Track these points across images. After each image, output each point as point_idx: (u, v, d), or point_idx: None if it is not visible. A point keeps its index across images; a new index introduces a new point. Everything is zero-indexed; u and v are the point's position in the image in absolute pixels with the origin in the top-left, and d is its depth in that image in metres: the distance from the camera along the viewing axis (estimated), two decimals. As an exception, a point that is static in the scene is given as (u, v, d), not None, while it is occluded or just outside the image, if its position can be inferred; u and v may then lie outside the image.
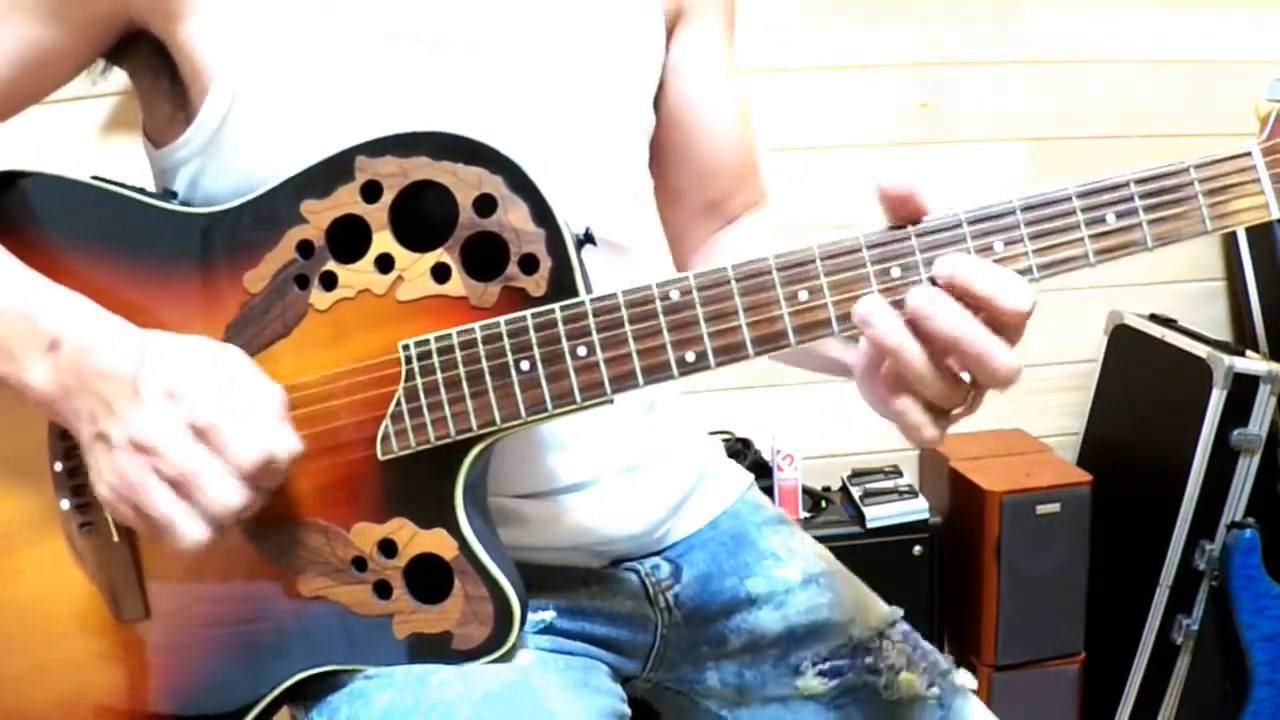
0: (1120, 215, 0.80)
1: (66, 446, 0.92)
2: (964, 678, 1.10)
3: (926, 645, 1.10)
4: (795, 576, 1.10)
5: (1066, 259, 0.81)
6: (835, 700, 1.07)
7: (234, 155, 0.91)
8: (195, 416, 0.80)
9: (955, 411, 0.83)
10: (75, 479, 0.92)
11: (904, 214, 0.81)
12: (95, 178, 0.91)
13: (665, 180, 1.15)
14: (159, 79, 0.94)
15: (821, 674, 1.07)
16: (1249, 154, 0.80)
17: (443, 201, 0.84)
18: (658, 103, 1.10)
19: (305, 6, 0.90)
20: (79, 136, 1.95)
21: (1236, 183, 0.80)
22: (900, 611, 1.12)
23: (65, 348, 0.84)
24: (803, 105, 2.29)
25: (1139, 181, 0.81)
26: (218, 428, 0.80)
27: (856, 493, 2.19)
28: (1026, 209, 0.80)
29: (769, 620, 1.08)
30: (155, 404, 0.81)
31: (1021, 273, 0.81)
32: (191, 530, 0.81)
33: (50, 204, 0.92)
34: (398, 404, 0.86)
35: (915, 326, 0.79)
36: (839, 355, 0.95)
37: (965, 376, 0.81)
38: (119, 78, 1.00)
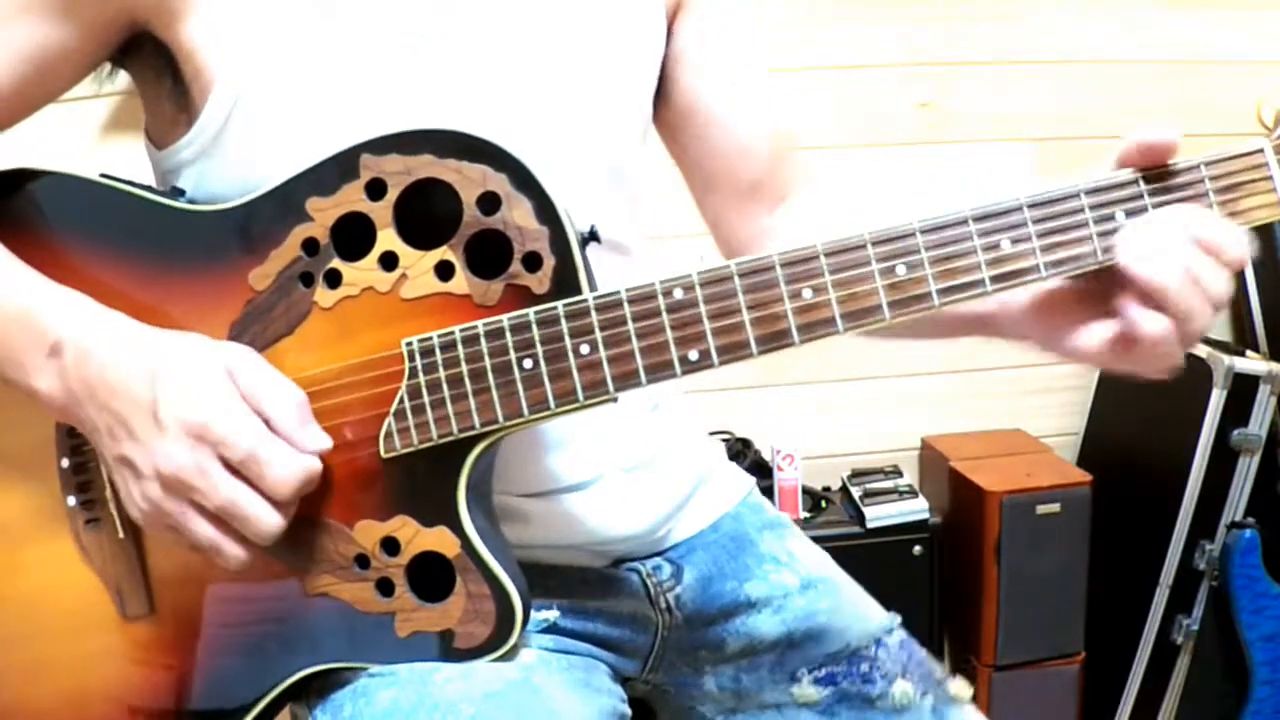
0: (1130, 213, 0.80)
1: (73, 444, 0.92)
2: (959, 686, 1.10)
3: (922, 653, 1.10)
4: (794, 581, 1.10)
5: (1075, 257, 0.81)
6: (830, 708, 1.07)
7: (236, 155, 0.91)
8: (227, 448, 0.81)
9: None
10: (81, 475, 0.93)
11: (1148, 161, 0.82)
12: (104, 175, 0.91)
13: (698, 171, 1.13)
14: (161, 80, 0.94)
15: (817, 681, 1.07)
16: (1260, 151, 0.79)
17: (447, 199, 0.84)
18: (673, 93, 1.09)
19: (306, 6, 0.90)
20: (80, 137, 1.95)
21: (1247, 180, 0.80)
22: (898, 618, 1.12)
23: (68, 352, 0.84)
24: (803, 105, 2.28)
25: (1148, 179, 0.80)
26: (254, 456, 0.81)
27: (856, 493, 2.19)
28: (1033, 206, 0.80)
29: (767, 624, 1.08)
30: (181, 441, 0.81)
31: (1028, 270, 0.81)
32: (233, 553, 0.83)
33: (59, 202, 0.92)
34: (401, 401, 0.86)
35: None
36: (977, 309, 0.92)
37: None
38: (121, 78, 1.00)
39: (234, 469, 0.82)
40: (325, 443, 0.85)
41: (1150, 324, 0.81)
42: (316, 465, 0.84)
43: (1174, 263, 0.79)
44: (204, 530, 0.83)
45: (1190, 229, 0.80)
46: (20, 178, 0.92)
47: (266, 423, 0.83)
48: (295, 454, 0.83)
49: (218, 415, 0.81)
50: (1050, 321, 0.88)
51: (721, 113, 1.11)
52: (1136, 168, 0.82)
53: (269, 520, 0.82)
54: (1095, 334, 0.85)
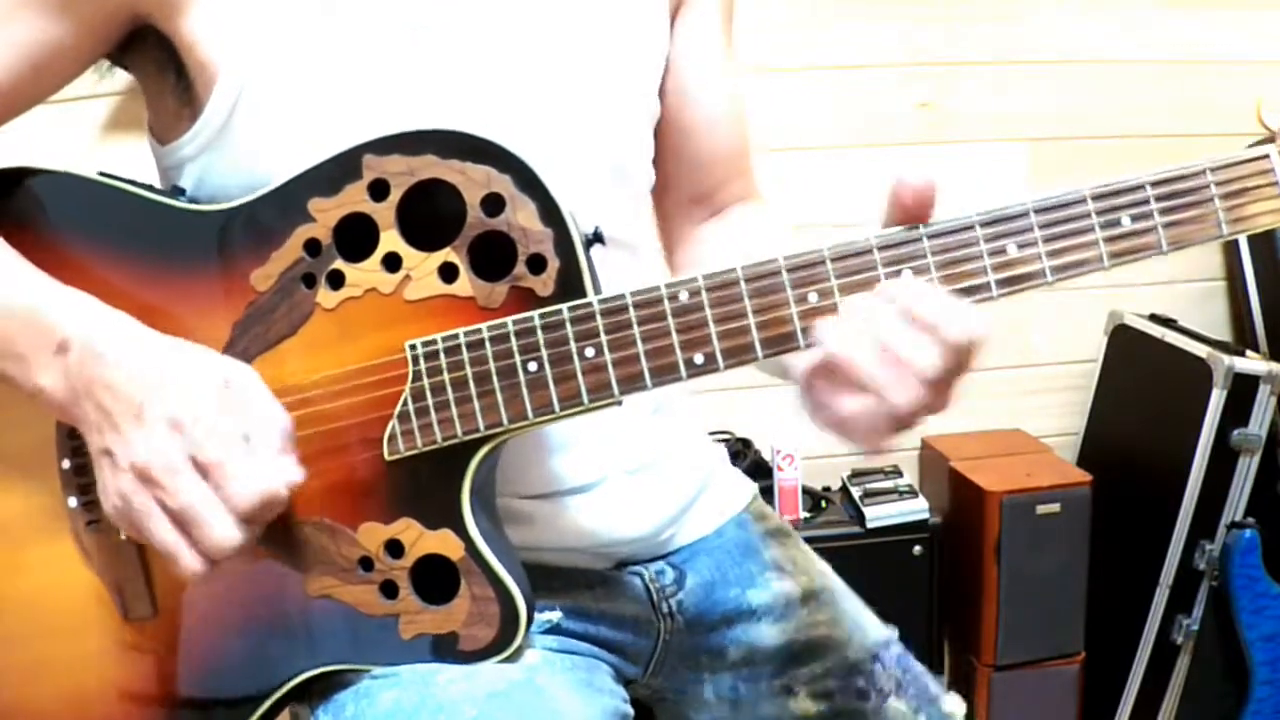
0: (1136, 218, 0.80)
1: (74, 445, 0.92)
2: (953, 704, 1.10)
3: (918, 669, 1.11)
4: (796, 591, 1.10)
5: (1080, 261, 0.80)
6: None
7: (241, 149, 0.91)
8: (199, 451, 0.80)
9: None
10: (82, 477, 0.92)
11: (911, 215, 0.81)
12: (103, 174, 0.91)
13: (658, 169, 1.13)
14: (165, 75, 0.94)
15: (814, 695, 1.07)
16: (1267, 156, 0.79)
17: (450, 200, 0.84)
18: (661, 92, 1.09)
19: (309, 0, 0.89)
20: (80, 135, 1.94)
21: (1254, 185, 0.80)
22: (895, 633, 1.12)
23: (74, 350, 0.84)
24: (803, 105, 2.28)
25: (1154, 184, 0.80)
26: (221, 465, 0.80)
27: (856, 493, 2.19)
28: (1040, 211, 0.80)
29: (768, 634, 1.08)
30: (158, 431, 0.81)
31: (1034, 275, 0.81)
32: (189, 563, 0.82)
33: (58, 201, 0.92)
34: (404, 404, 0.86)
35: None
36: (789, 361, 0.91)
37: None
38: (122, 76, 0.99)
39: (203, 472, 0.81)
40: (295, 475, 0.83)
41: (847, 402, 0.81)
42: (280, 491, 0.82)
43: (866, 337, 0.79)
44: (164, 532, 0.81)
45: (900, 302, 0.79)
46: (19, 177, 0.91)
47: (246, 438, 0.82)
48: (262, 473, 0.81)
49: (199, 417, 0.81)
50: (807, 392, 0.87)
51: (702, 124, 1.12)
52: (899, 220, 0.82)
53: (224, 532, 0.80)
54: (820, 411, 0.85)
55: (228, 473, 0.80)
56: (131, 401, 0.82)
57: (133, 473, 0.81)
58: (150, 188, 0.92)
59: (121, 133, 1.96)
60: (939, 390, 0.80)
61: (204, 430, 0.80)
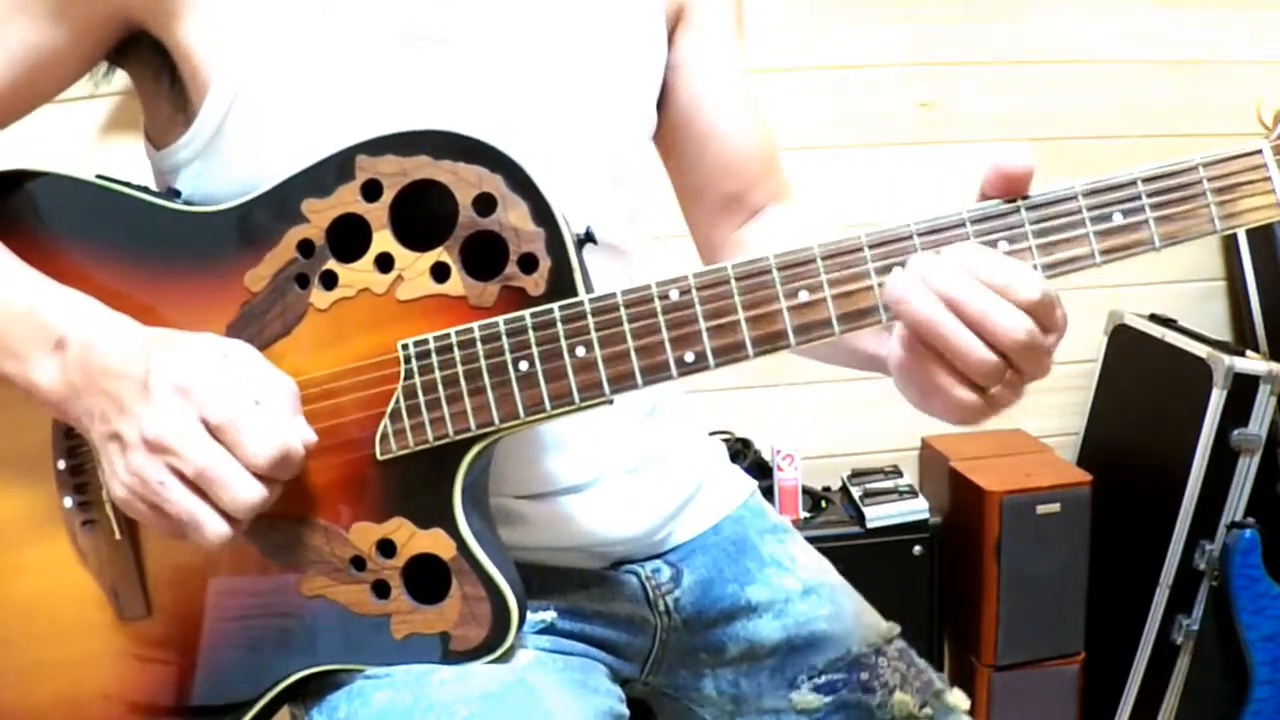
0: (1127, 214, 0.80)
1: (70, 445, 0.92)
2: (957, 697, 1.10)
3: (921, 663, 1.10)
4: (796, 586, 1.10)
5: (1072, 258, 0.80)
6: (828, 716, 1.07)
7: (233, 156, 0.91)
8: (209, 413, 0.80)
9: (995, 390, 0.82)
10: (78, 477, 0.93)
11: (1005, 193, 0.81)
12: (100, 176, 0.91)
13: (683, 179, 1.14)
14: (159, 80, 0.94)
15: (816, 689, 1.07)
16: (1259, 152, 0.79)
17: (443, 200, 0.84)
18: (669, 102, 1.09)
19: (305, 5, 0.89)
20: (79, 137, 1.95)
21: (1246, 181, 0.79)
22: (898, 628, 1.12)
23: (71, 346, 0.84)
24: (803, 105, 2.28)
25: (1146, 180, 0.80)
26: (234, 424, 0.80)
27: (856, 493, 2.19)
28: (1031, 208, 0.80)
29: (768, 629, 1.08)
30: (167, 401, 0.80)
31: None
32: (214, 527, 0.81)
33: (55, 203, 0.92)
34: (396, 403, 0.86)
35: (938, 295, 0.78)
36: (872, 349, 0.93)
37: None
38: (120, 78, 1.00)
39: (215, 434, 0.80)
40: (309, 435, 0.84)
41: (938, 374, 0.80)
42: (297, 446, 0.82)
43: (933, 296, 0.78)
44: (183, 499, 0.80)
45: (968, 264, 0.78)
46: (16, 179, 0.92)
47: (256, 402, 0.82)
48: (277, 430, 0.81)
49: (205, 379, 0.81)
50: (909, 374, 0.85)
51: (718, 128, 1.12)
52: (1004, 197, 0.81)
53: (246, 489, 0.80)
54: (911, 384, 0.84)
55: (241, 430, 0.80)
56: (134, 378, 0.82)
57: (144, 446, 0.81)
58: (146, 190, 0.93)
59: (120, 134, 1.97)
60: (1038, 356, 0.80)
61: (211, 392, 0.80)
